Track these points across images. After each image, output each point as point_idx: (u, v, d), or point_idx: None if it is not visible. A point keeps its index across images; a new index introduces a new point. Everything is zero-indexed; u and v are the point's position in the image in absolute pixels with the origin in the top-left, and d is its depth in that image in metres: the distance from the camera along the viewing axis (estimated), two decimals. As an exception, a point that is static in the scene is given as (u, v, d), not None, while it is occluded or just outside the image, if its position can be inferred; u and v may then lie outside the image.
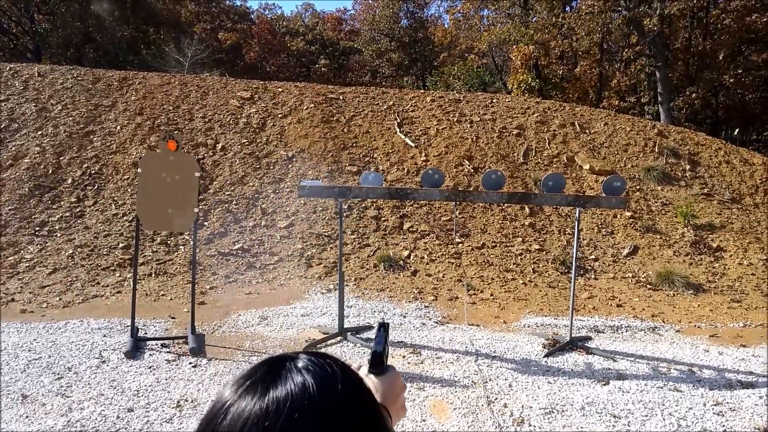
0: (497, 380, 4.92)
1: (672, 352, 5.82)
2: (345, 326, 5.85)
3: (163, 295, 7.12)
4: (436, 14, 44.01)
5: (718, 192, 10.23)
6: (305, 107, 11.71)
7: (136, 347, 5.24)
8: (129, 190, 9.22)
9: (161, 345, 5.34)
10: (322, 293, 7.27)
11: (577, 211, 5.73)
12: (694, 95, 22.26)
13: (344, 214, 9.36)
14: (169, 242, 8.40)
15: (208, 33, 32.17)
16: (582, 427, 4.23)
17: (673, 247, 8.78)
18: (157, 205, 5.17)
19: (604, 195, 5.63)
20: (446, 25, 42.27)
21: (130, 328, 5.43)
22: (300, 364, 0.72)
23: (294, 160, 10.41)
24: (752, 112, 26.90)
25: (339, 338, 5.73)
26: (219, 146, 10.42)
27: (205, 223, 8.78)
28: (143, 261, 7.78)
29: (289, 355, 0.76)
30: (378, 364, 1.09)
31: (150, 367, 4.87)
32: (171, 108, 11.14)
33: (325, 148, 10.69)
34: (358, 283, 7.51)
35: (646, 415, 4.41)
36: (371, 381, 1.09)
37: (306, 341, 5.64)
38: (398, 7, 38.51)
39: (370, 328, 6.14)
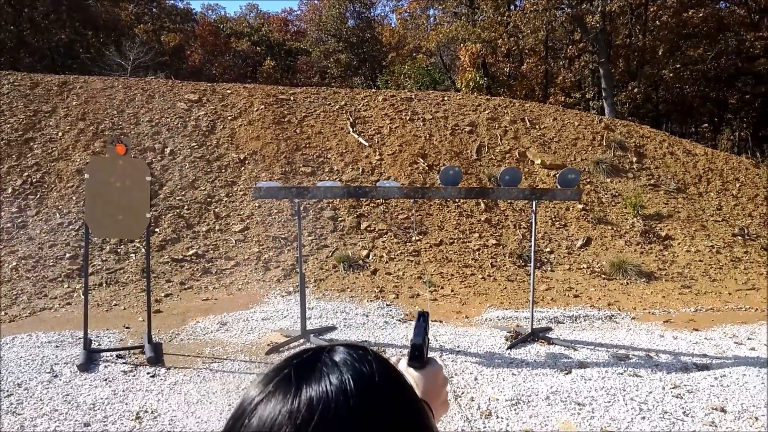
0: (463, 374, 4.93)
1: (629, 338, 5.95)
2: (307, 328, 5.76)
3: (115, 304, 6.87)
4: (383, 14, 44.08)
5: (664, 182, 10.55)
6: (256, 109, 11.53)
7: (90, 359, 5.03)
8: (74, 198, 8.88)
9: (116, 356, 5.14)
10: (282, 296, 7.16)
11: (533, 205, 5.80)
12: (636, 90, 22.96)
13: (301, 215, 9.29)
14: (119, 250, 8.12)
15: (150, 35, 31.36)
16: (548, 417, 4.27)
17: (624, 237, 9.01)
18: (107, 211, 4.97)
19: (559, 188, 5.72)
20: (393, 25, 42.44)
21: (82, 340, 5.21)
22: (337, 358, 0.66)
23: (246, 162, 10.23)
24: (690, 105, 27.96)
25: (302, 341, 5.64)
26: (168, 150, 10.15)
27: (156, 230, 8.52)
28: (93, 271, 7.49)
29: (325, 347, 0.70)
30: (418, 357, 1.02)
31: (106, 380, 4.68)
32: (115, 112, 10.79)
33: (278, 150, 10.55)
34: (318, 285, 7.43)
35: (609, 402, 4.49)
36: (411, 375, 1.03)
37: (268, 345, 5.53)
38: (345, 7, 38.44)
39: (333, 329, 6.07)
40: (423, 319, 1.15)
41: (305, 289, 5.73)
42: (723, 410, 4.37)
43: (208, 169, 9.92)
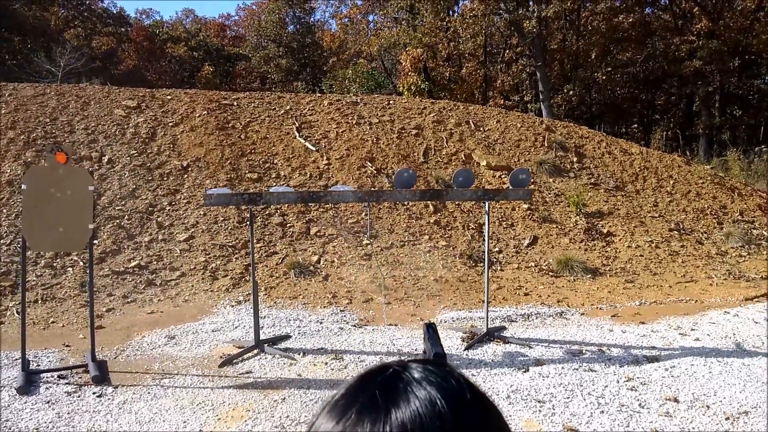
0: (422, 378, 4.90)
1: (581, 334, 6.08)
2: (261, 338, 5.63)
3: (53, 322, 6.53)
4: (322, 20, 43.92)
5: (603, 181, 10.88)
6: (198, 114, 11.24)
7: (29, 381, 4.74)
8: (5, 210, 8.41)
9: (58, 376, 4.87)
10: (232, 306, 6.97)
11: (487, 205, 5.85)
12: (571, 92, 23.68)
13: (248, 222, 9.08)
14: (55, 264, 7.73)
15: (81, 40, 30.21)
16: (510, 415, 4.29)
17: (569, 235, 9.23)
18: (46, 224, 4.70)
19: (510, 188, 5.79)
20: (334, 30, 42.37)
21: (20, 360, 4.91)
22: (417, 375, 0.60)
23: (189, 169, 9.95)
24: (621, 107, 29.07)
25: (256, 351, 5.50)
26: (105, 159, 9.75)
27: (95, 241, 8.16)
28: (27, 287, 7.10)
29: (394, 365, 0.63)
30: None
31: (48, 402, 4.42)
32: (48, 120, 10.30)
33: (222, 156, 10.31)
34: (269, 293, 7.27)
35: (568, 397, 4.56)
36: None
37: (221, 357, 5.36)
38: (284, 12, 38.11)
39: (287, 337, 5.94)
40: (433, 329, 1.11)
41: (253, 298, 5.59)
42: (676, 400, 4.51)
43: (149, 178, 9.59)
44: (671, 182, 11.21)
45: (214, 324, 6.34)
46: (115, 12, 35.13)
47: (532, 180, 10.42)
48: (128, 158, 9.86)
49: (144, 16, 45.16)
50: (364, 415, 0.55)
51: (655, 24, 25.30)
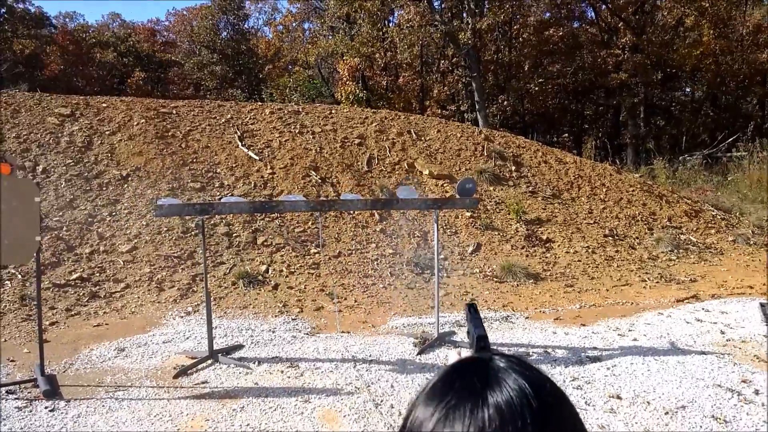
0: (379, 383, 5.00)
1: (526, 337, 6.32)
2: (214, 348, 5.59)
3: (-9, 338, 6.25)
4: (256, 26, 43.51)
5: (541, 189, 11.32)
6: (136, 123, 10.98)
7: (-27, 400, 4.55)
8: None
9: (6, 392, 4.70)
10: (181, 317, 6.87)
11: (435, 213, 6.03)
12: (505, 102, 24.43)
13: (193, 232, 8.96)
14: (-11, 278, 7.40)
15: (2, 43, 28.83)
16: (466, 416, 4.45)
17: (510, 241, 9.55)
18: (-11, 236, 4.53)
19: (458, 196, 5.99)
20: (269, 37, 42.07)
21: (-39, 379, 4.71)
22: (502, 365, 0.68)
23: (129, 179, 9.71)
24: (552, 117, 30.20)
25: (210, 361, 5.46)
26: (40, 168, 9.40)
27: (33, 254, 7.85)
28: (-40, 302, 6.77)
29: (479, 356, 0.70)
30: (484, 348, 1.04)
31: (-4, 420, 4.27)
32: (-25, 127, 9.83)
33: (163, 165, 10.11)
34: (218, 303, 7.20)
35: (519, 397, 4.76)
36: None
37: (174, 369, 5.29)
38: (218, 18, 37.57)
39: (240, 347, 5.92)
40: (475, 310, 1.18)
41: (206, 308, 5.55)
42: (619, 397, 4.77)
43: (87, 188, 9.31)
44: (604, 190, 11.77)
45: (165, 335, 6.24)
46: (32, 11, 33.38)
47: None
48: (64, 168, 9.54)
49: (67, 20, 43.40)
50: (464, 399, 0.62)
51: (582, 37, 26.47)
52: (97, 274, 7.74)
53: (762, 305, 7.06)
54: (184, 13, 46.88)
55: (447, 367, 0.71)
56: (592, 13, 27.14)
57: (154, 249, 8.37)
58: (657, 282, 8.65)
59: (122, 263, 8.02)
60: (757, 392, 4.90)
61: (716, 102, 27.94)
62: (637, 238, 10.36)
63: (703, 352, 5.83)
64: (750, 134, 18.84)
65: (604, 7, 25.31)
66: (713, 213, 12.20)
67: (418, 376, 5.14)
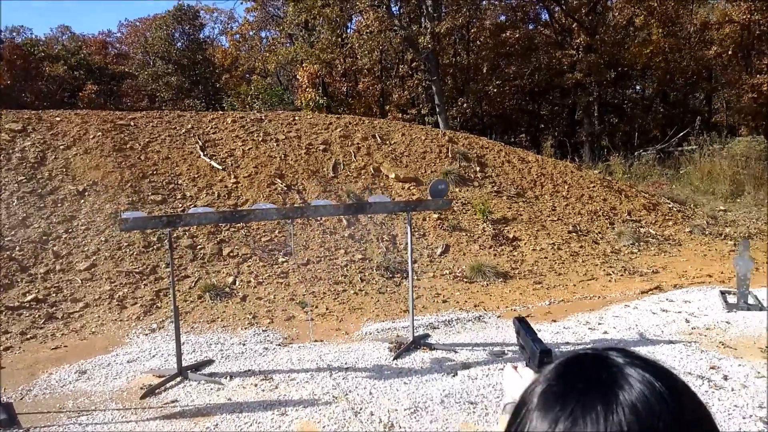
0: (357, 390, 4.92)
1: (500, 335, 6.32)
2: (183, 364, 5.41)
3: (-57, 366, 5.94)
4: (212, 36, 42.99)
5: (505, 189, 11.39)
6: (92, 136, 10.66)
7: (-74, 433, 4.30)
8: None
9: (-39, 424, 4.45)
10: (146, 334, 6.65)
11: (408, 216, 5.98)
12: (465, 105, 24.62)
13: (155, 246, 8.72)
14: (-61, 303, 7.05)
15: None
16: (447, 420, 4.40)
17: (478, 241, 9.57)
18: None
19: (431, 198, 5.96)
20: (225, 46, 41.61)
21: None
22: (621, 360, 0.61)
23: (86, 194, 9.40)
24: (510, 118, 30.57)
25: (179, 378, 5.29)
26: (-10, 186, 9.02)
27: (-14, 276, 7.53)
28: None
29: (590, 352, 0.63)
30: (549, 363, 1.00)
31: (-48, 453, 4.04)
32: None
33: (122, 179, 9.83)
34: (184, 318, 7.00)
35: (498, 397, 4.73)
36: None
37: (141, 389, 5.10)
38: (173, 28, 36.94)
39: (210, 362, 5.75)
40: (526, 323, 1.13)
41: (174, 323, 5.37)
42: None
43: (41, 204, 8.97)
44: (566, 187, 11.92)
45: (129, 354, 6.03)
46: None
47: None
48: (16, 185, 9.18)
49: (14, 34, 42.10)
50: (592, 401, 0.55)
51: (537, 39, 26.89)
52: (54, 295, 7.45)
53: (722, 293, 7.23)
54: (137, 24, 46.06)
55: (556, 367, 0.63)
56: (547, 15, 27.63)
57: (114, 265, 8.11)
58: (621, 275, 8.78)
59: (80, 282, 7.74)
60: (726, 378, 4.99)
61: (666, 98, 28.70)
62: (600, 232, 10.52)
63: (671, 342, 5.92)
64: (698, 129, 19.38)
65: (558, 8, 25.77)
66: (670, 206, 12.48)
67: (396, 382, 5.07)
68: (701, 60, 25.01)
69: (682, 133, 20.18)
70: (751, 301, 6.63)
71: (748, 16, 22.64)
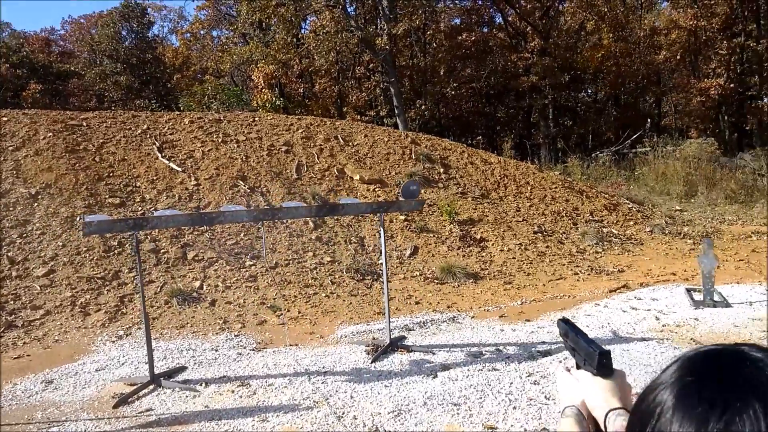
0: (337, 394, 4.83)
1: (476, 336, 6.33)
2: (155, 372, 5.22)
3: None
4: (161, 35, 41.97)
5: (470, 190, 11.47)
6: (42, 137, 10.23)
7: None
8: None
9: None
10: (113, 342, 6.39)
11: (381, 217, 5.93)
12: (423, 107, 24.74)
13: (116, 251, 8.42)
14: None
15: None
16: (432, 422, 4.36)
17: (446, 243, 9.60)
18: None
19: (403, 199, 5.91)
20: (176, 45, 40.72)
21: None
22: (760, 354, 0.57)
23: (39, 197, 9.01)
24: (467, 120, 30.90)
25: (152, 386, 5.09)
26: (-65, 189, 8.55)
27: (-66, 284, 7.11)
28: None
29: (727, 348, 0.59)
30: (607, 365, 0.97)
31: None
32: None
33: (77, 181, 9.46)
34: (153, 323, 6.75)
35: (480, 398, 4.72)
36: (598, 383, 0.96)
37: (113, 398, 4.89)
38: (120, 25, 35.91)
39: (183, 369, 5.56)
40: (572, 324, 1.10)
41: (145, 329, 5.17)
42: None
43: (-8, 208, 8.55)
44: (529, 188, 12.09)
45: (97, 363, 5.78)
46: None
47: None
48: (-37, 188, 8.73)
49: (-50, 33, 40.12)
50: (746, 396, 0.52)
51: (492, 42, 27.27)
52: (12, 302, 7.10)
53: (688, 290, 7.43)
54: (82, 21, 44.64)
55: (687, 366, 0.59)
56: (501, 19, 28.05)
57: (74, 271, 7.79)
58: (588, 274, 8.94)
59: (39, 288, 7.40)
60: (700, 374, 5.10)
61: (618, 102, 29.52)
62: (564, 233, 10.69)
63: (644, 339, 6.04)
64: (649, 131, 19.99)
65: (511, 12, 26.19)
66: (629, 206, 12.81)
67: (376, 385, 5.01)
68: (651, 64, 25.82)
69: (634, 136, 20.77)
70: (716, 298, 6.83)
71: (694, 22, 23.51)
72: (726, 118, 25.79)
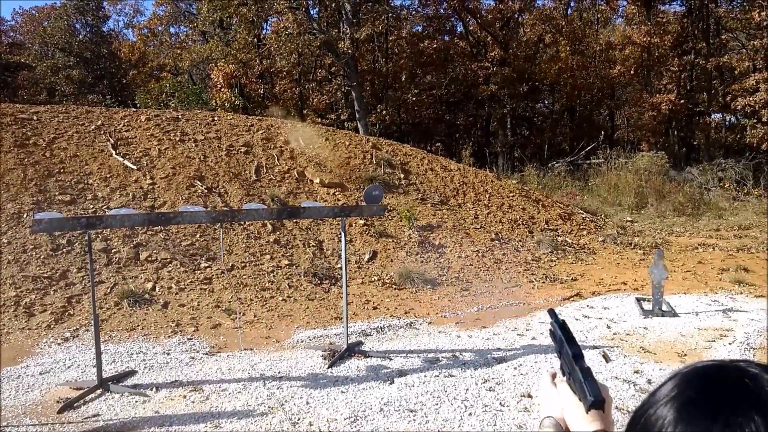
0: (293, 400, 4.77)
1: (433, 342, 6.35)
2: (103, 376, 5.05)
3: None
4: (117, 29, 40.99)
5: (429, 196, 11.53)
6: (-11, 129, 9.83)
7: None
8: None
9: None
10: (58, 344, 6.16)
11: (342, 221, 5.89)
12: (384, 112, 24.80)
13: (64, 250, 8.13)
14: None
15: None
16: (388, 428, 4.35)
17: (405, 248, 9.61)
18: None
19: (365, 204, 5.89)
20: (132, 41, 39.82)
21: None
22: (757, 370, 0.57)
23: (-16, 192, 8.64)
24: (427, 127, 31.11)
25: (100, 391, 4.93)
26: None
27: None
28: None
29: (723, 363, 0.59)
30: (588, 370, 0.97)
31: None
32: None
33: (25, 177, 9.12)
34: (101, 325, 6.54)
35: (437, 404, 4.73)
36: (579, 405, 0.95)
37: (58, 402, 4.71)
38: (74, 18, 34.92)
39: (133, 373, 5.40)
40: (565, 327, 1.07)
41: (94, 331, 5.01)
42: (529, 396, 4.89)
43: (-67, 202, 8.17)
44: (487, 196, 12.23)
45: (41, 366, 5.56)
46: None
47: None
48: None
49: None
50: (747, 409, 0.53)
51: (453, 50, 27.57)
52: (-49, 301, 6.78)
53: (638, 300, 7.63)
54: (34, 12, 43.24)
55: (687, 380, 0.59)
56: (462, 28, 28.36)
57: (18, 270, 7.49)
58: (543, 282, 9.08)
59: (-19, 287, 7.08)
60: (649, 381, 5.23)
61: (573, 114, 30.20)
62: (520, 240, 10.85)
63: (595, 347, 6.16)
64: (602, 143, 20.48)
65: (472, 21, 26.52)
66: (583, 216, 13.09)
67: (333, 391, 4.96)
68: (605, 78, 26.52)
69: (589, 147, 21.27)
70: (665, 308, 7.03)
71: (648, 39, 24.26)
72: (676, 132, 26.67)
